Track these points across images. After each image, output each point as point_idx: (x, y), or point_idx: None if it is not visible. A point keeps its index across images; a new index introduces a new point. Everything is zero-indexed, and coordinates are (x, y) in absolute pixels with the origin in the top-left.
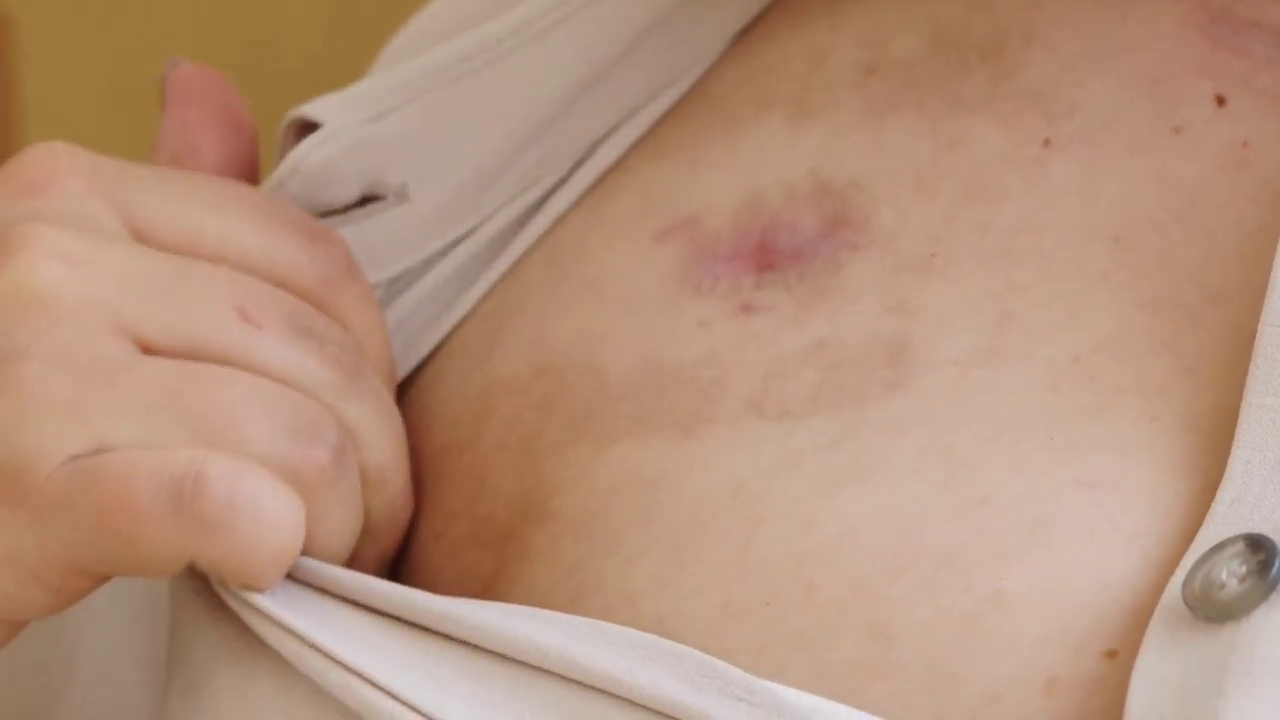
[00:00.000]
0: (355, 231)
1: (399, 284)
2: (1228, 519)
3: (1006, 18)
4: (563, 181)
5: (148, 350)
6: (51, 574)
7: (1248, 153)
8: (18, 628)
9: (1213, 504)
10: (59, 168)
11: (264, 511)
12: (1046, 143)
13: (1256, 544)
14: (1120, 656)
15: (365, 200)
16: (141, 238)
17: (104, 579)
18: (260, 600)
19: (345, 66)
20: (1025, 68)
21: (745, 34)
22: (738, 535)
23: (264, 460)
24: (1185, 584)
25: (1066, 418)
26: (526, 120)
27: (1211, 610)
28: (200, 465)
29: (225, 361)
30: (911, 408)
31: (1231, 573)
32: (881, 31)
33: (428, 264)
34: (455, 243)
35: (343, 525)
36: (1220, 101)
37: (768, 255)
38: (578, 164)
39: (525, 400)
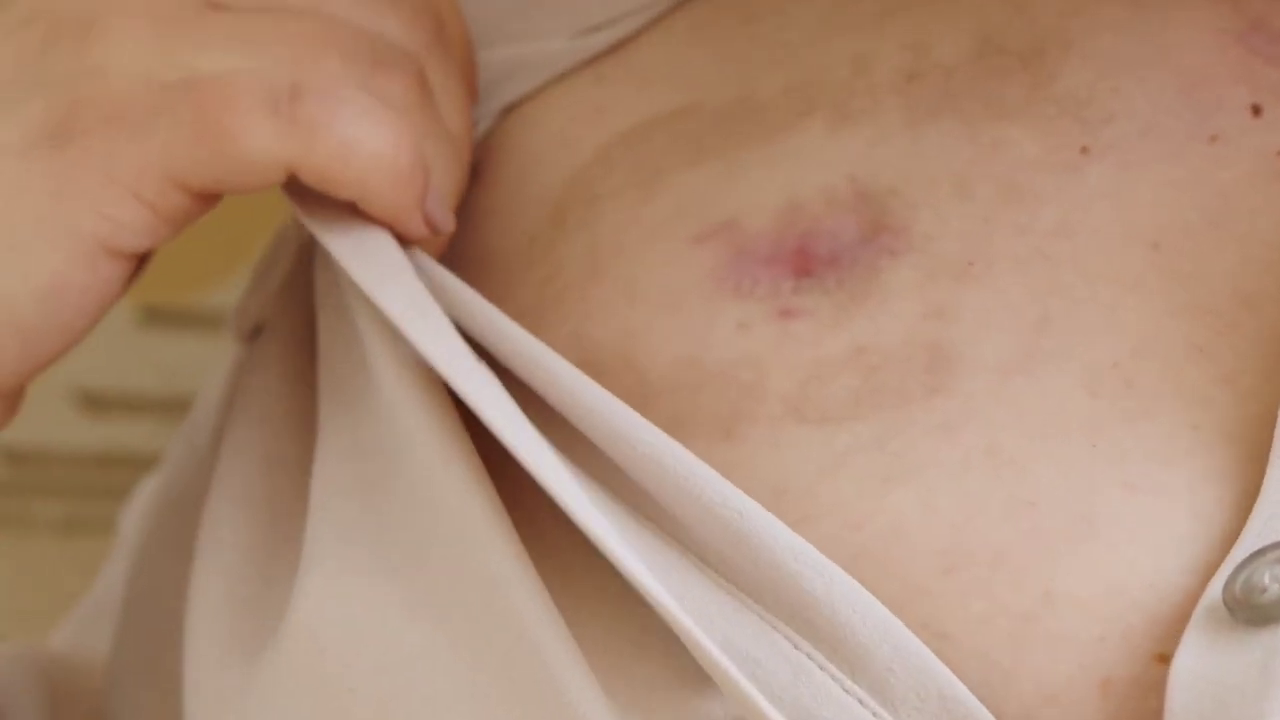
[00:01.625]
0: None
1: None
2: (1270, 524)
3: (1046, 24)
4: None
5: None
6: (150, 186)
7: None
8: (122, 262)
9: (1254, 509)
10: None
11: (362, 115)
12: (1084, 150)
13: None
14: (1170, 660)
15: None
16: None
17: (203, 198)
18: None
19: None
20: (1063, 74)
21: (790, 38)
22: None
23: (350, 78)
24: (1226, 588)
25: (1107, 423)
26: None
27: (1253, 614)
28: (300, 78)
29: (306, 10)
30: (954, 411)
31: (1274, 577)
32: (925, 36)
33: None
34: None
35: (435, 157)
36: (1256, 111)
37: (806, 261)
38: None
39: None
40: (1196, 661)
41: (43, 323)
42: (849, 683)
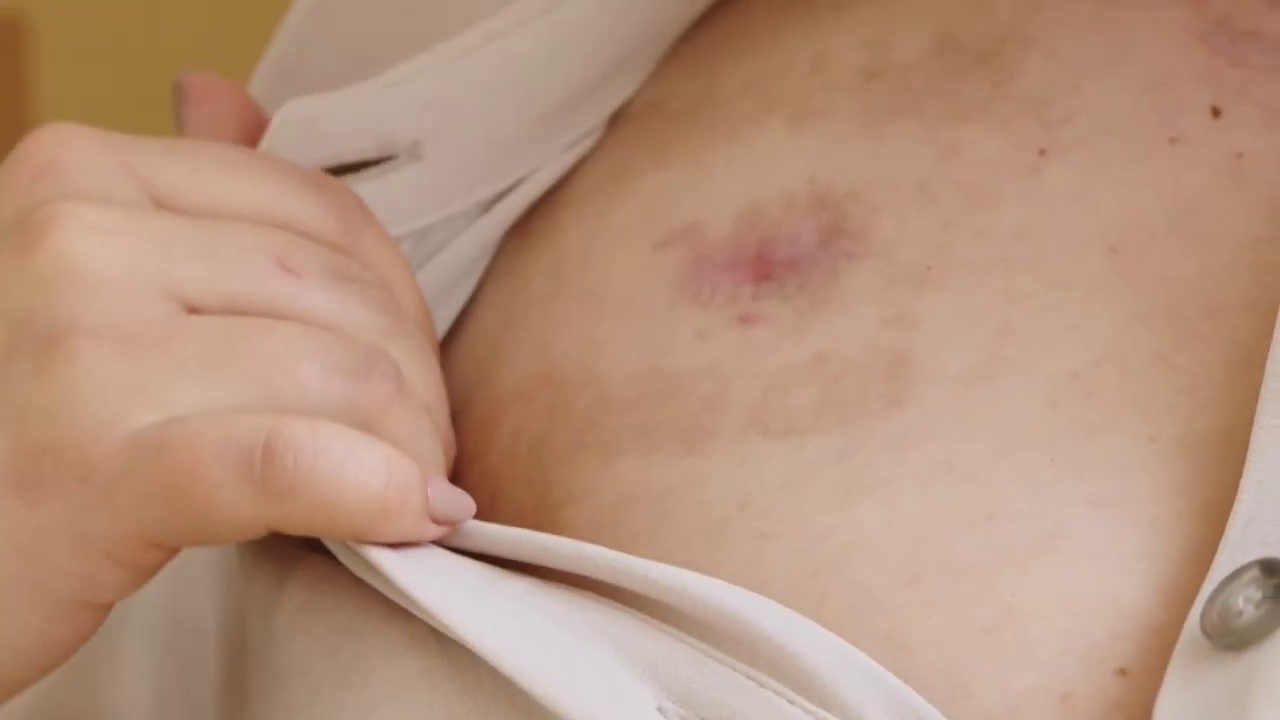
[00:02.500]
0: (375, 188)
1: (426, 245)
2: (1242, 543)
3: (1007, 21)
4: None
5: (194, 311)
6: (125, 550)
7: (1243, 164)
8: (103, 611)
9: (1227, 527)
10: (68, 145)
11: (341, 466)
12: (1042, 151)
13: (1270, 568)
14: (1131, 675)
15: (380, 161)
16: (163, 205)
17: (177, 550)
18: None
19: None
20: (1024, 73)
21: (752, 31)
22: (747, 549)
23: (324, 402)
24: (1204, 614)
25: (1067, 435)
26: (546, 86)
27: (1230, 638)
28: (268, 430)
29: (271, 313)
30: (914, 423)
31: (1248, 599)
32: (884, 33)
33: (451, 224)
34: (483, 205)
35: (424, 456)
36: (1216, 113)
37: (765, 265)
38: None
39: (531, 409)
40: (1180, 691)
41: (21, 672)
42: (822, 712)
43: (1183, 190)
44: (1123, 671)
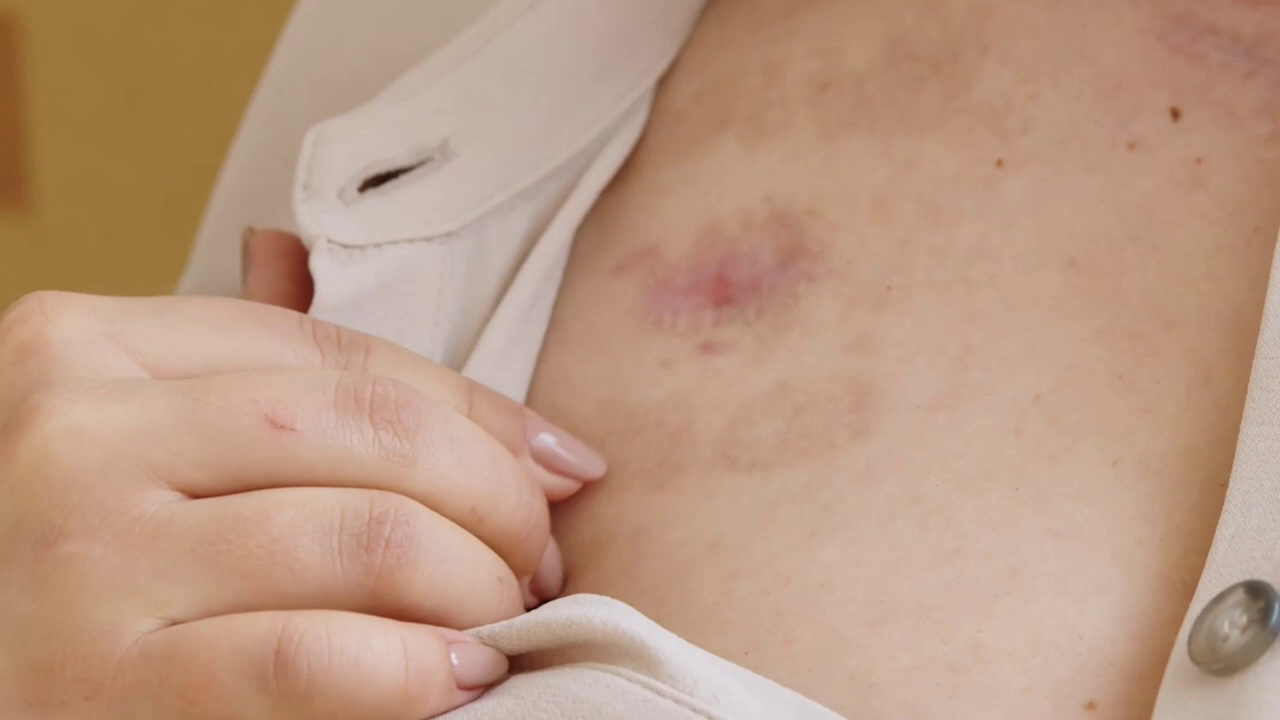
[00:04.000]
0: (410, 193)
1: (486, 240)
2: (1227, 561)
3: (959, 26)
4: (616, 130)
5: (190, 492)
6: None
7: (1202, 169)
8: None
9: (1213, 542)
10: (54, 321)
11: (358, 663)
12: (1000, 163)
13: (1256, 591)
14: (1100, 708)
15: (416, 166)
16: (153, 372)
17: None
18: None
19: None
20: (979, 81)
21: (702, 38)
22: (715, 589)
23: (326, 588)
24: (1191, 640)
25: (1030, 464)
26: (558, 67)
27: (1218, 664)
28: (279, 637)
29: (269, 478)
30: (878, 456)
31: (1234, 623)
32: (835, 40)
33: (502, 220)
34: (522, 194)
35: (468, 591)
36: (1175, 115)
37: (726, 288)
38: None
39: None
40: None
41: None
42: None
43: (1140, 198)
44: (1091, 705)
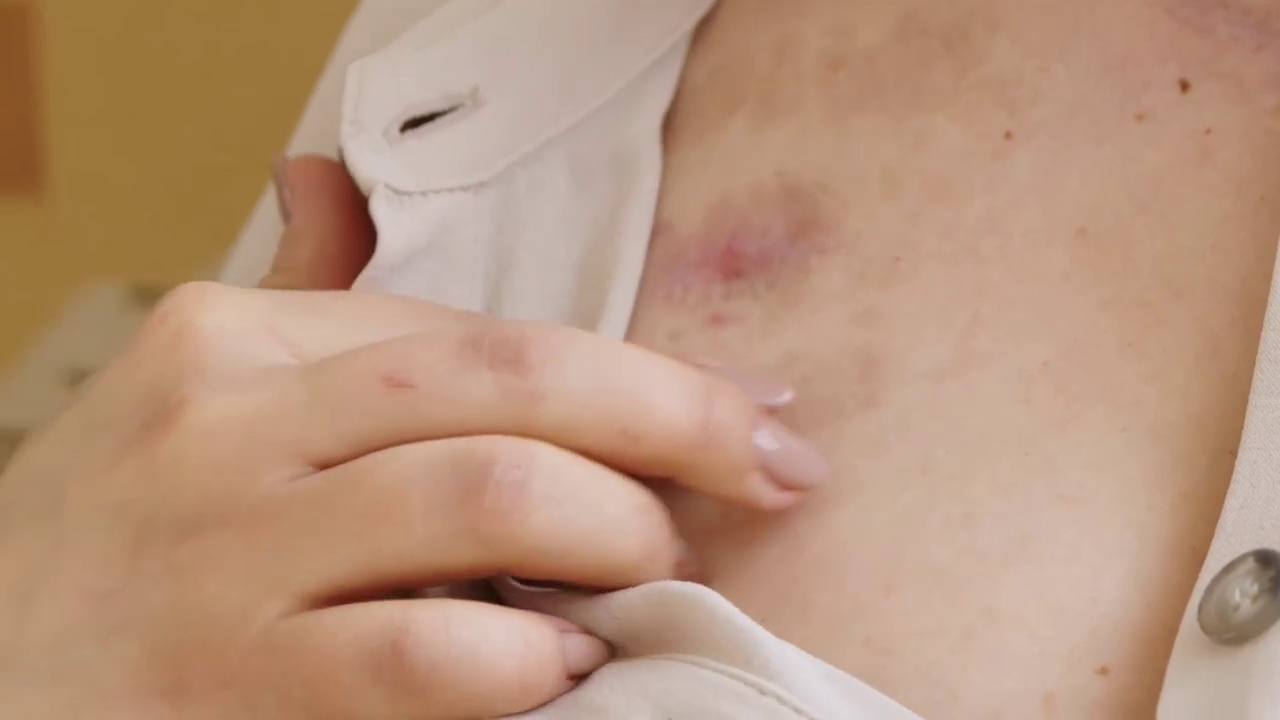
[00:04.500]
0: (443, 139)
1: (515, 191)
2: (1237, 530)
3: (970, 3)
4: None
5: (324, 466)
6: None
7: (1211, 140)
8: None
9: (1222, 512)
10: (210, 310)
11: (476, 655)
12: (1008, 135)
13: (1266, 559)
14: (1113, 673)
15: (447, 112)
16: (302, 360)
17: None
18: None
19: None
20: (989, 57)
21: (715, 18)
22: (733, 555)
23: (435, 542)
24: (1201, 610)
25: (1040, 432)
26: (590, 17)
27: (1228, 634)
28: (396, 629)
29: (395, 438)
30: (888, 425)
31: (1244, 592)
32: (847, 19)
33: (539, 166)
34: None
35: (595, 528)
36: (1184, 87)
37: (736, 261)
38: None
39: None
40: (1181, 691)
41: None
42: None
43: (1148, 169)
44: (1104, 670)
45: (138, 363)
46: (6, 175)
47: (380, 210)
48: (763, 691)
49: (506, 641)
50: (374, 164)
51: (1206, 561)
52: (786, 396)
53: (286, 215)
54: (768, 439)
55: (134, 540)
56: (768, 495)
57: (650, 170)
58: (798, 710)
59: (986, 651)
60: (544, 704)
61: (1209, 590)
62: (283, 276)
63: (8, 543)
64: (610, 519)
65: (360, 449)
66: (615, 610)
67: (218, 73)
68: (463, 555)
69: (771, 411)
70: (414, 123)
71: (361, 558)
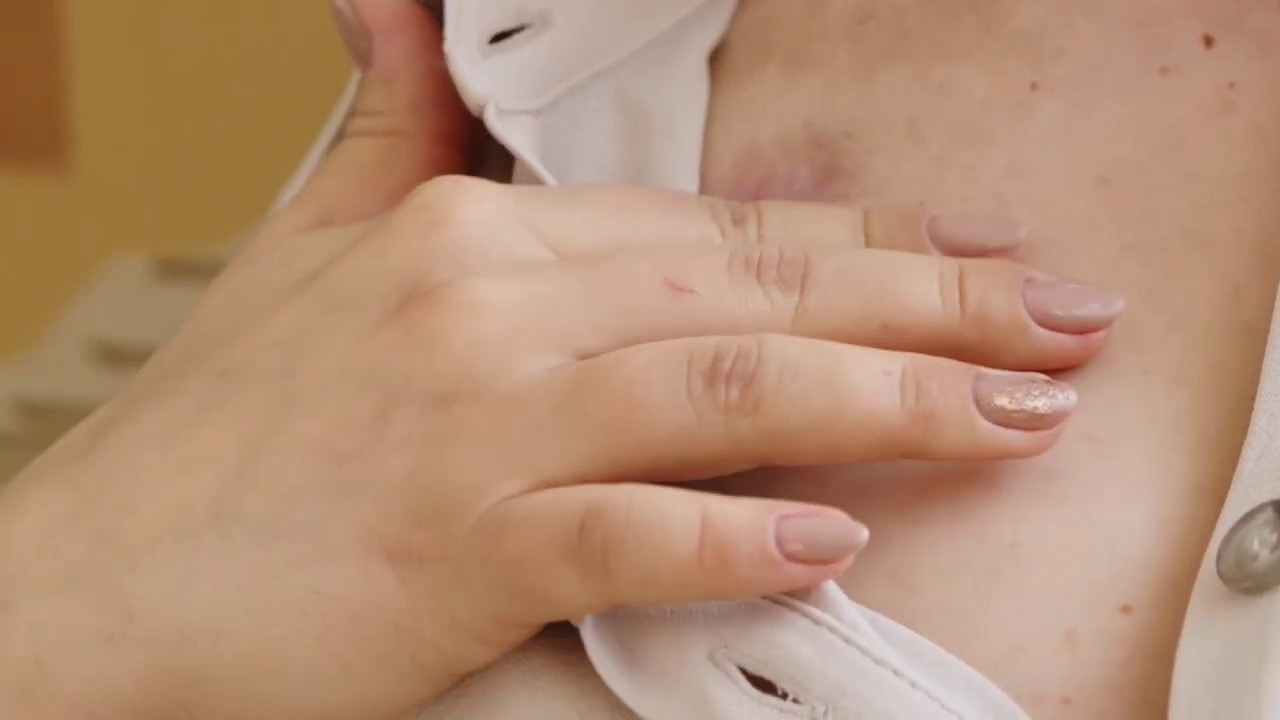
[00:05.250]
0: (514, 59)
1: (559, 118)
2: (1254, 481)
3: None
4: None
5: (591, 358)
6: (487, 630)
7: (1234, 94)
8: (464, 675)
9: (1239, 463)
10: (466, 199)
11: (651, 535)
12: (1034, 86)
13: None
14: (1135, 612)
15: (521, 29)
16: (558, 253)
17: (538, 626)
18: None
19: None
20: (1015, 12)
21: None
22: (757, 490)
23: (681, 428)
24: (1219, 559)
25: (1062, 372)
26: None
27: (1247, 582)
28: (585, 508)
29: (673, 335)
30: None
31: (1263, 541)
32: None
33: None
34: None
35: (834, 399)
36: (1208, 42)
37: None
38: None
39: None
40: (1200, 639)
41: None
42: (880, 654)
43: (1172, 121)
44: (1126, 609)
45: (387, 248)
46: (32, 149)
47: (500, 127)
48: (816, 622)
49: (684, 521)
50: (479, 79)
51: (1223, 512)
52: (1023, 232)
53: (363, 60)
54: (1034, 292)
55: (380, 405)
56: (1053, 344)
57: (696, 110)
58: (847, 640)
59: (1009, 587)
60: (767, 591)
61: (1227, 540)
62: (378, 120)
63: (235, 402)
64: (847, 389)
65: (632, 343)
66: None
67: (245, 44)
68: (707, 444)
69: (1012, 250)
70: (498, 37)
71: (607, 447)
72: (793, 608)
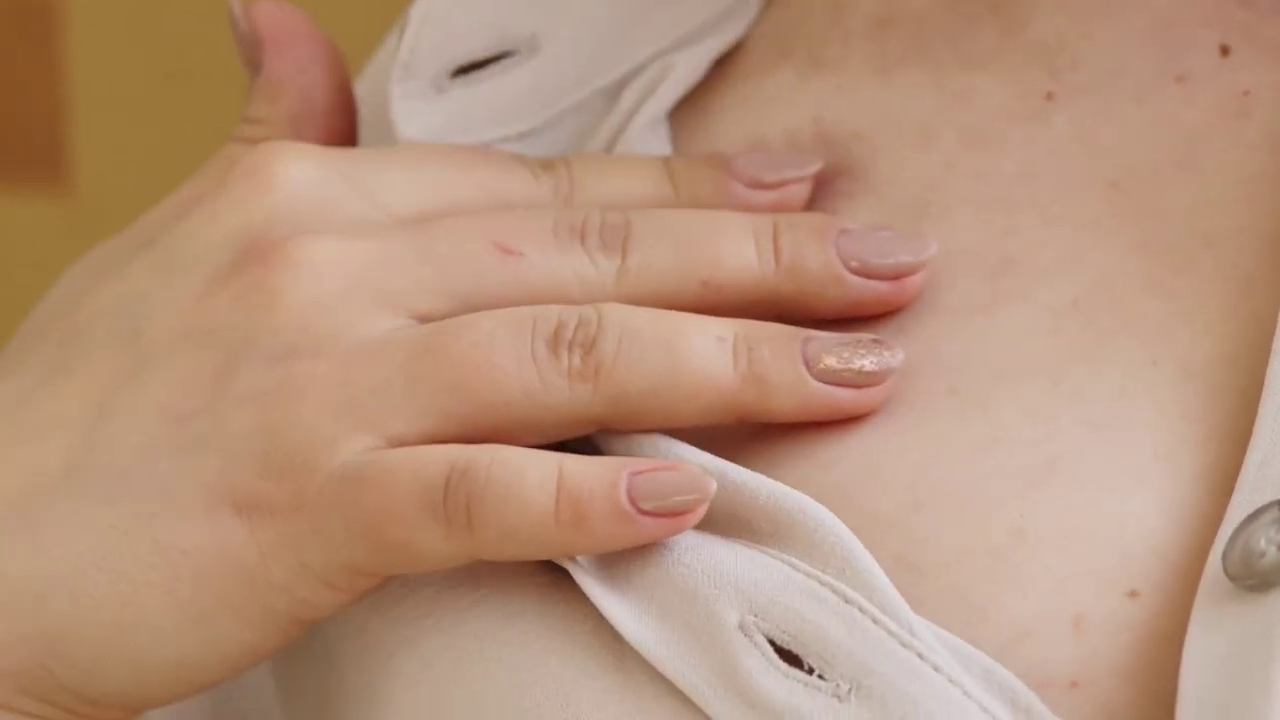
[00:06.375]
0: (496, 87)
1: (560, 137)
2: (1260, 480)
3: None
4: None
5: (426, 320)
6: (338, 578)
7: (1249, 101)
8: (313, 624)
9: (1244, 461)
10: (294, 162)
11: (509, 492)
12: (1049, 96)
13: None
14: (1142, 597)
15: (499, 58)
16: (385, 212)
17: (388, 577)
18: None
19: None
20: (1034, 21)
21: None
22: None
23: (527, 392)
24: (1225, 555)
25: (1067, 361)
26: None
27: (1253, 580)
28: (452, 467)
29: (502, 301)
30: (915, 352)
31: (1270, 540)
32: None
33: (581, 116)
34: (607, 95)
35: (673, 363)
36: (1225, 51)
37: None
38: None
39: None
40: (1206, 635)
41: (220, 676)
42: (907, 636)
43: (1186, 126)
44: (1133, 594)
45: (221, 211)
46: (31, 168)
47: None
48: (846, 599)
49: (540, 478)
50: (413, 118)
51: (1229, 509)
52: (816, 166)
53: (253, 66)
54: (847, 240)
55: (223, 363)
56: (868, 289)
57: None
58: (876, 621)
59: (1016, 571)
60: (621, 544)
61: (1233, 537)
62: (259, 128)
63: (80, 367)
64: (683, 354)
65: (463, 309)
66: (729, 486)
67: (243, 66)
68: (551, 407)
69: (806, 180)
70: (466, 68)
71: (454, 407)
72: (827, 584)
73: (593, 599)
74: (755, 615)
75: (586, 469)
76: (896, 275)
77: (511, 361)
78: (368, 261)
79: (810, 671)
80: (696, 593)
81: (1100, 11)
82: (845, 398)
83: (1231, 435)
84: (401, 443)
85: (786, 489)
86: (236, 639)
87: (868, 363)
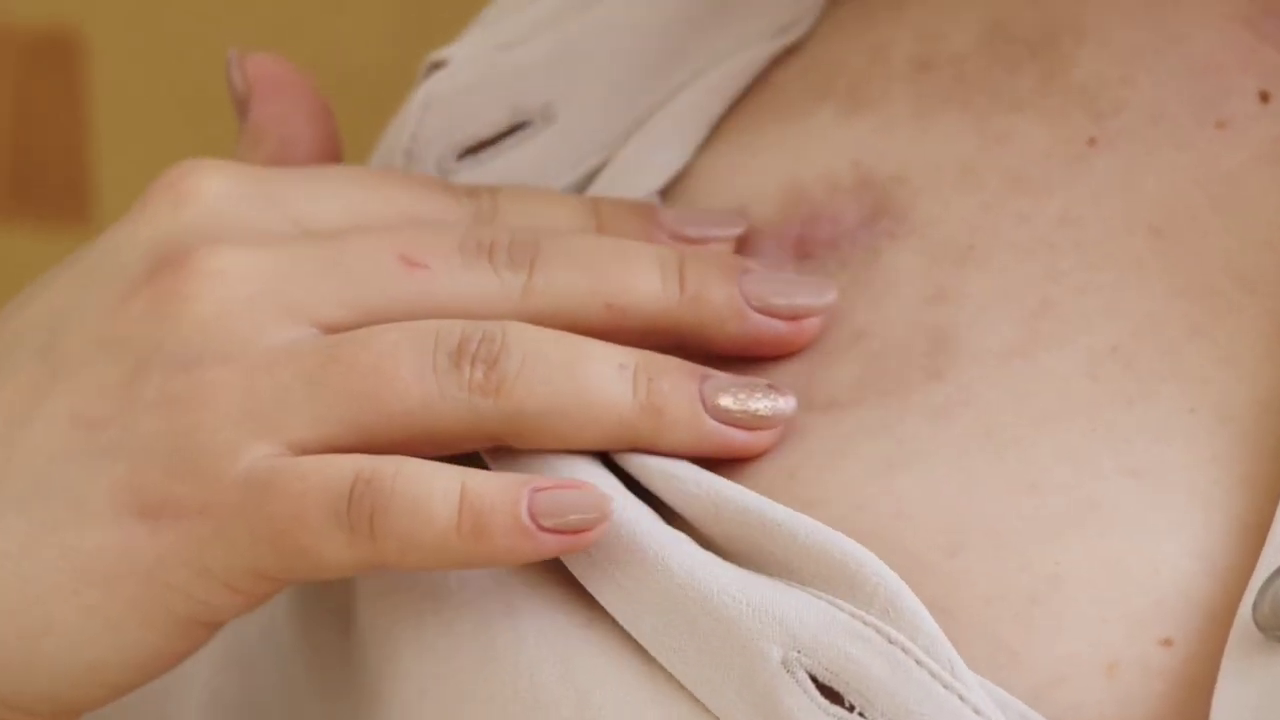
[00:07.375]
0: (508, 161)
1: None
2: None
3: (1057, 13)
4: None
5: (330, 330)
6: (242, 582)
7: None
8: (218, 627)
9: (1276, 515)
10: (211, 177)
11: (414, 504)
12: (1092, 141)
13: None
14: (1176, 645)
15: (514, 130)
16: (301, 227)
17: (290, 583)
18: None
19: (415, 75)
20: (1075, 65)
21: (818, 30)
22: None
23: (428, 404)
24: (1255, 607)
25: (1106, 406)
26: (664, 27)
27: None
28: (353, 476)
29: (407, 314)
30: (954, 395)
31: None
32: (940, 26)
33: (590, 180)
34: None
35: (575, 386)
36: (1265, 98)
37: (806, 245)
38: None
39: None
40: (1236, 686)
41: (133, 680)
42: (949, 678)
43: (1227, 172)
44: (1167, 641)
45: (142, 224)
46: (55, 204)
47: None
48: (890, 640)
49: (444, 491)
50: None
51: (1260, 560)
52: (742, 226)
53: (241, 111)
54: (750, 280)
55: (132, 371)
56: (767, 327)
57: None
58: (919, 663)
59: (1051, 616)
60: (524, 559)
61: (1264, 588)
62: None
63: (7, 379)
64: (584, 378)
65: (367, 320)
66: (723, 517)
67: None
68: (450, 419)
69: (734, 244)
70: (475, 147)
71: (355, 416)
72: (871, 624)
73: (625, 626)
74: (799, 651)
75: (489, 483)
76: (794, 316)
77: (413, 372)
78: (276, 271)
79: (851, 709)
80: (738, 622)
81: (1140, 56)
82: (738, 438)
83: (1265, 482)
84: (303, 450)
85: (827, 529)
86: (143, 641)
87: (762, 406)
